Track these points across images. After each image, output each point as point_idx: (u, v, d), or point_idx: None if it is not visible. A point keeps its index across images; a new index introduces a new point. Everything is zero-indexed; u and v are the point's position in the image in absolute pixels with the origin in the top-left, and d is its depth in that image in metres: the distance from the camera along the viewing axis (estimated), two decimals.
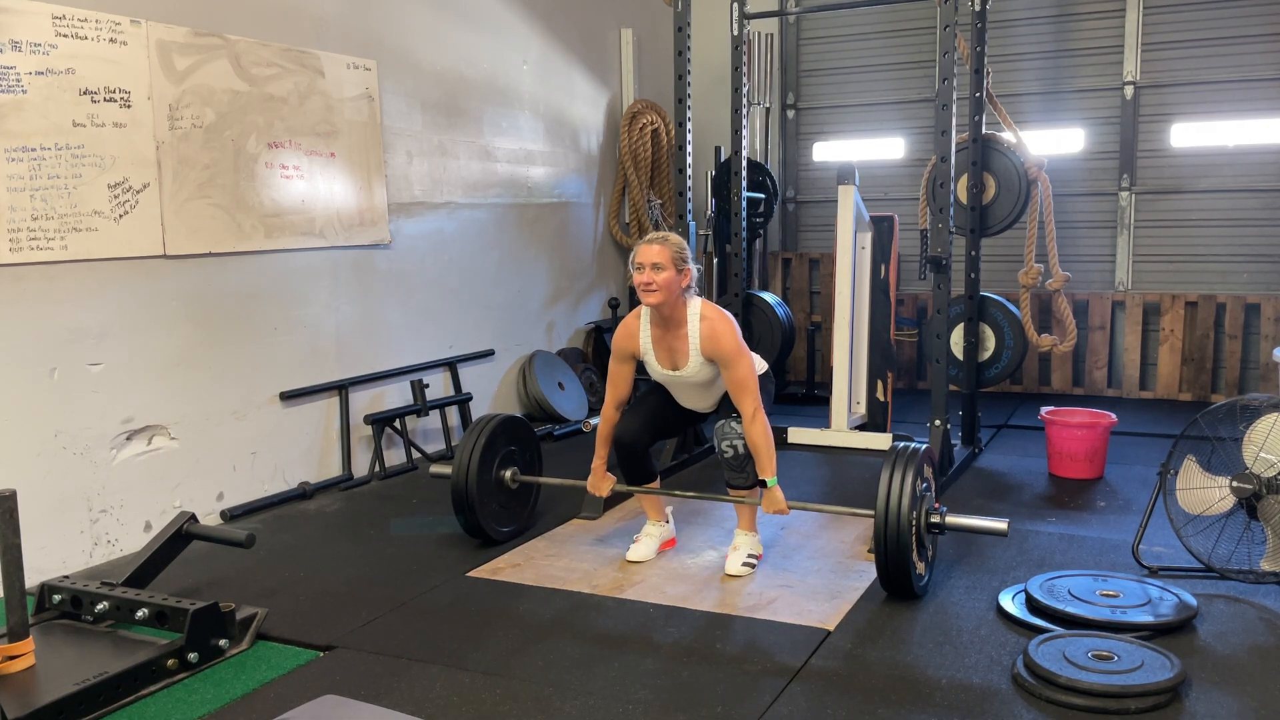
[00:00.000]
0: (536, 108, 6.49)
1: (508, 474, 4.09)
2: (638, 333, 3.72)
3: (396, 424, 5.31)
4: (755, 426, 3.55)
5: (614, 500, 4.52)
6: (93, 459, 3.97)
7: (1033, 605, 3.28)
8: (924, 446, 3.49)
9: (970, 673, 2.89)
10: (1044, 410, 5.12)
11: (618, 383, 3.82)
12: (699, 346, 3.60)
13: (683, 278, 3.57)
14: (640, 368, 3.84)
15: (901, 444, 3.50)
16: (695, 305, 3.62)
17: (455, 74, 5.78)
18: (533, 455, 4.27)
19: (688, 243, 3.72)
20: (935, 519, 3.42)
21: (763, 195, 7.00)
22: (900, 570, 3.32)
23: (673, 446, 5.11)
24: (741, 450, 3.68)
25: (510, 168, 6.27)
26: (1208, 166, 6.71)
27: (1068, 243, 6.84)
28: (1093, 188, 7.00)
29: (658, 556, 3.90)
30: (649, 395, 3.94)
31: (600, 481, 3.91)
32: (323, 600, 3.53)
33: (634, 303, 7.11)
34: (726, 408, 3.75)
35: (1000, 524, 3.37)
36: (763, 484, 3.60)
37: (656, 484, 4.01)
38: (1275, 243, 6.58)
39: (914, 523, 3.31)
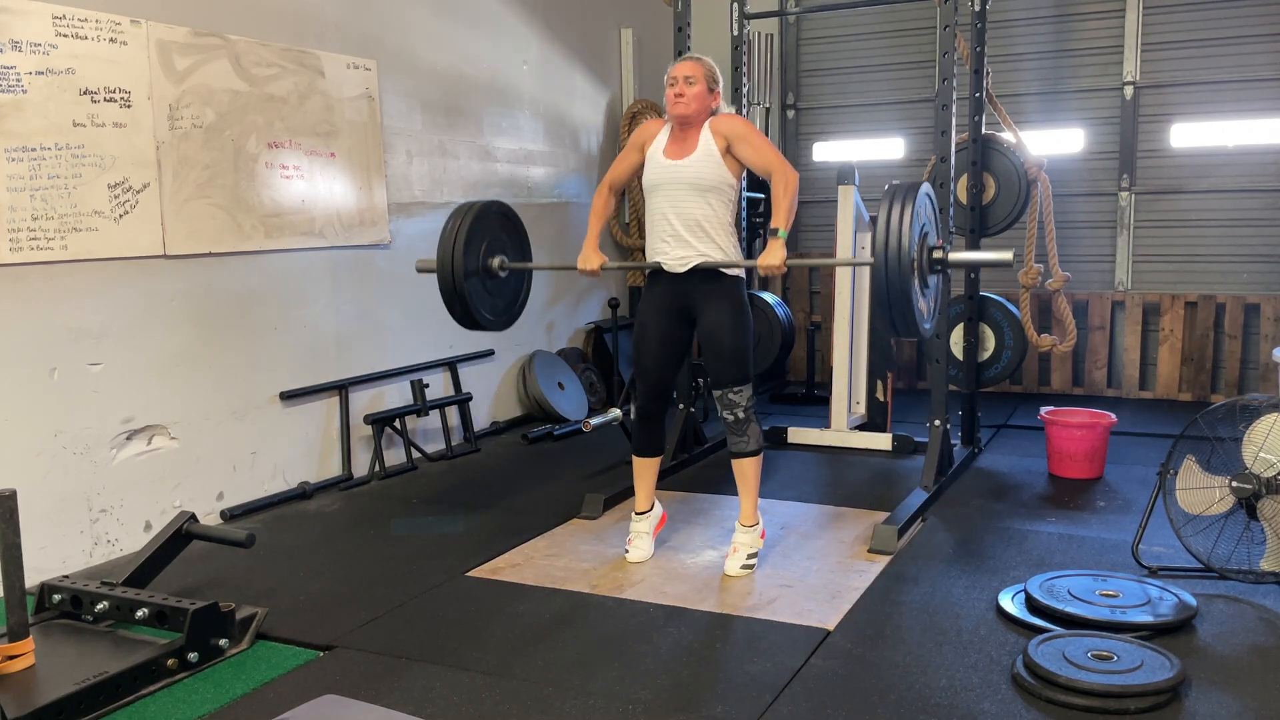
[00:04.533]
0: (536, 108, 6.49)
1: (495, 261, 3.97)
2: (657, 130, 3.76)
3: (396, 424, 5.31)
4: (782, 182, 3.53)
5: (614, 500, 4.52)
6: (93, 459, 3.97)
7: (1032, 605, 3.28)
8: (924, 184, 3.42)
9: (970, 673, 2.89)
10: (1044, 410, 5.12)
11: (619, 166, 3.85)
12: (710, 136, 3.61)
13: (712, 98, 3.63)
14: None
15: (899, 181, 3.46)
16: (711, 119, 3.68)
17: (455, 74, 5.78)
18: (520, 242, 4.12)
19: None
20: (938, 254, 3.39)
21: (763, 195, 7.00)
22: (903, 302, 3.22)
23: (673, 447, 5.11)
24: (740, 415, 3.70)
25: (510, 168, 6.27)
26: (1208, 166, 6.71)
27: (1068, 243, 6.84)
28: (1093, 188, 7.00)
29: (657, 556, 3.90)
30: (642, 343, 3.82)
31: (591, 255, 3.81)
32: (323, 600, 3.54)
33: (634, 304, 7.13)
34: (717, 370, 3.69)
35: (1005, 254, 3.35)
36: (774, 233, 3.55)
37: (658, 463, 3.96)
38: (1275, 243, 6.58)
39: (915, 257, 3.23)
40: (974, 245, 5.43)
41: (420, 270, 3.98)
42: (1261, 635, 3.12)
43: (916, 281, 3.27)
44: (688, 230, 3.64)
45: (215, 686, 2.90)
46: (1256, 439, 3.46)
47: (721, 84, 3.70)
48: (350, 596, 3.56)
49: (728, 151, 3.61)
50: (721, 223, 3.66)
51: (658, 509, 4.02)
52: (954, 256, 3.43)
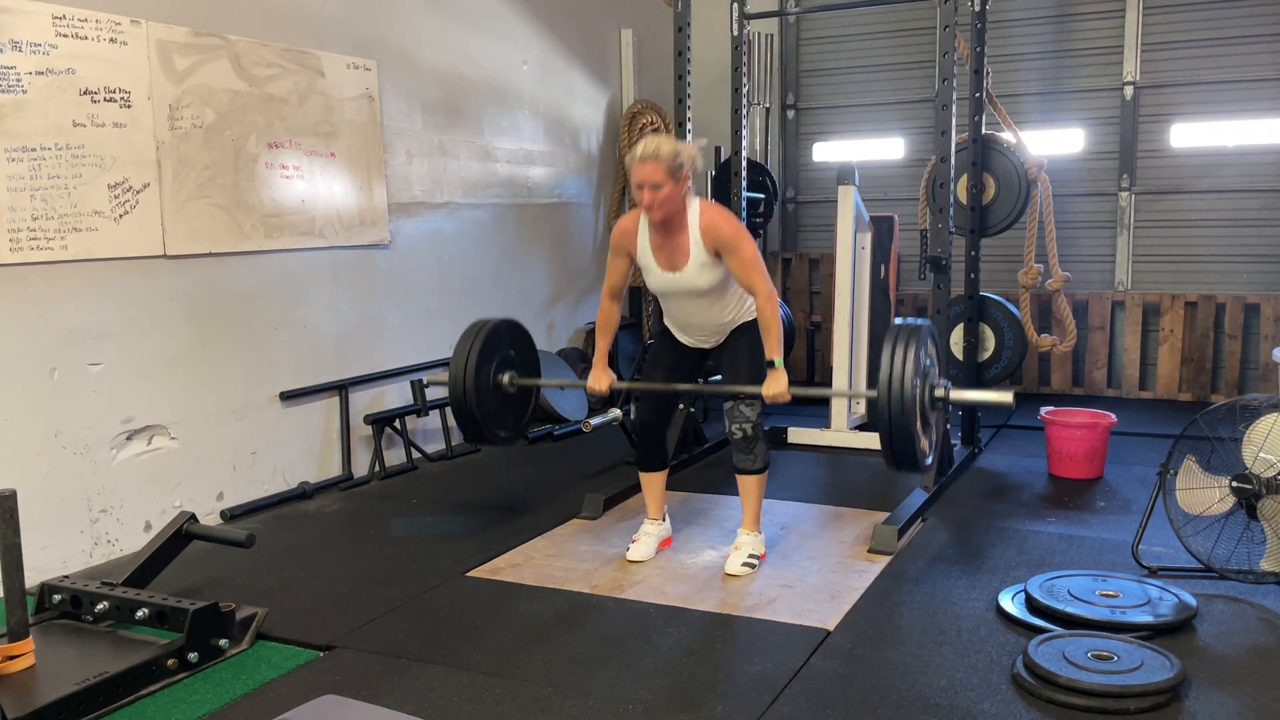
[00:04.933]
0: (536, 108, 6.49)
1: (505, 378, 4.00)
2: (635, 233, 3.69)
3: (396, 424, 5.31)
4: (768, 308, 3.56)
5: (614, 500, 4.53)
6: (93, 459, 3.97)
7: (1032, 605, 3.28)
8: (927, 323, 3.47)
9: (970, 673, 2.89)
10: (1044, 410, 5.12)
11: (613, 274, 3.81)
12: (700, 241, 3.56)
13: (681, 185, 3.52)
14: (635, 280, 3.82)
15: (903, 320, 3.51)
16: (695, 209, 3.59)
17: (455, 74, 5.78)
18: (529, 358, 4.16)
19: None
20: (939, 392, 3.43)
21: (763, 195, 7.00)
22: (905, 440, 3.27)
23: (673, 447, 5.11)
24: (750, 432, 3.69)
25: (510, 168, 6.27)
26: (1208, 166, 6.71)
27: (1068, 243, 6.84)
28: (1093, 188, 7.00)
29: (657, 556, 3.90)
30: (654, 362, 3.89)
31: (600, 375, 3.84)
32: (323, 600, 3.54)
33: (635, 303, 7.13)
34: (731, 363, 3.72)
35: (1006, 396, 3.38)
36: (770, 364, 3.58)
37: (664, 475, 3.99)
38: (1275, 243, 6.58)
39: (918, 395, 3.28)
40: (974, 245, 5.42)
41: (430, 386, 4.01)
42: (1261, 635, 3.12)
43: (919, 422, 3.33)
44: (704, 313, 3.70)
45: (215, 686, 2.90)
46: (1256, 439, 3.46)
47: (685, 158, 3.50)
48: (350, 596, 3.56)
49: (717, 255, 3.57)
50: (734, 296, 3.69)
51: (668, 525, 4.04)
52: (955, 396, 3.48)
